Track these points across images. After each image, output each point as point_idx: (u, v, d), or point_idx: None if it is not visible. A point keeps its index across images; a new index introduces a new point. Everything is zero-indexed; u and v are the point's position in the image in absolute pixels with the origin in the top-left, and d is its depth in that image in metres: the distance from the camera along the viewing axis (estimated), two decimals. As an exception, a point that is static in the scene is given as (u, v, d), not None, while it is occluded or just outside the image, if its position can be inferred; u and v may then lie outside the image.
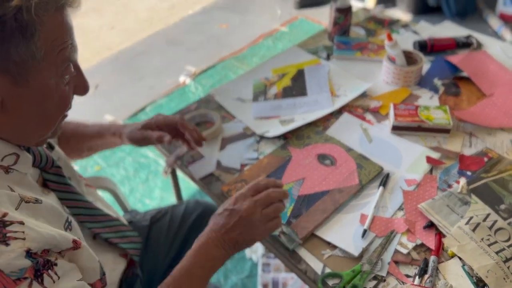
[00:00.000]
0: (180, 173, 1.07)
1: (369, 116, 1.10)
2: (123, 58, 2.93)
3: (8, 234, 0.52)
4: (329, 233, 0.85)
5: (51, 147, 0.82)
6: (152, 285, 1.03)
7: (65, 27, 0.59)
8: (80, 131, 1.01)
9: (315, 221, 0.86)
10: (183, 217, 1.12)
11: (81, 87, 0.67)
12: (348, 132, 1.06)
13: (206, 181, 0.99)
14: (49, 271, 0.55)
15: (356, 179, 0.93)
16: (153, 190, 1.99)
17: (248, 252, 1.67)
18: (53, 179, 0.72)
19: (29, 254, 0.53)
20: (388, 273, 0.78)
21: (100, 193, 1.02)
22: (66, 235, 0.60)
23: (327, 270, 0.80)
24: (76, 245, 0.61)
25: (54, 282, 0.55)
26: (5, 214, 0.53)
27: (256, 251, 1.67)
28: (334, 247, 0.83)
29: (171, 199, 1.91)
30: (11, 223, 0.53)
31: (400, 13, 2.93)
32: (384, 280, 0.77)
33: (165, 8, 3.47)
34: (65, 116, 0.68)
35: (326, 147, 1.02)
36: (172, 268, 1.06)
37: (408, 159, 0.98)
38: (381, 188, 0.91)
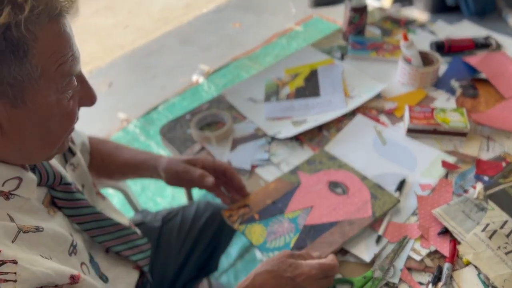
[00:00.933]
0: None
1: (383, 118, 1.08)
2: (137, 57, 2.94)
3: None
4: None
5: (71, 152, 0.81)
6: (163, 285, 1.02)
7: (63, 38, 0.53)
8: (116, 153, 0.98)
9: (321, 254, 0.79)
10: (194, 218, 1.11)
11: (88, 99, 0.63)
12: (361, 134, 1.04)
13: (216, 182, 0.97)
14: None
15: (369, 211, 0.85)
16: (164, 189, 1.99)
17: (258, 254, 1.66)
18: (62, 196, 0.70)
19: None
20: (400, 280, 0.76)
21: (112, 191, 1.02)
22: (64, 271, 0.58)
23: (337, 276, 0.78)
24: (73, 280, 0.59)
25: None
26: None
27: (266, 252, 1.65)
28: (344, 252, 0.81)
29: (183, 198, 1.90)
30: (3, 262, 0.50)
31: (417, 13, 2.89)
32: (396, 287, 0.75)
33: (179, 7, 3.47)
34: (72, 129, 0.64)
35: (339, 174, 0.94)
36: (182, 268, 1.06)
37: (423, 163, 0.95)
38: (397, 193, 0.89)
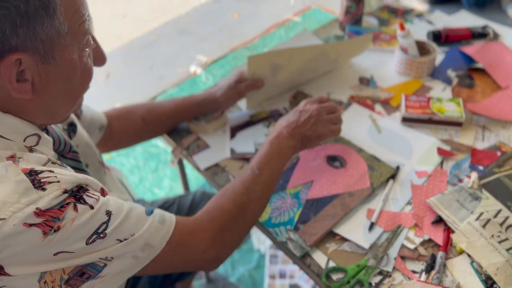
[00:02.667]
0: (188, 164, 1.06)
1: (379, 108, 1.07)
2: (134, 47, 2.92)
3: (42, 180, 0.54)
4: (338, 227, 0.83)
5: (74, 131, 0.82)
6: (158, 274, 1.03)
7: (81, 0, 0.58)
8: (157, 107, 1.04)
9: (323, 227, 0.82)
10: (190, 207, 1.12)
11: (100, 58, 0.67)
12: (356, 123, 1.04)
13: (211, 172, 0.98)
14: (86, 193, 0.58)
15: (368, 182, 0.89)
16: (162, 179, 2.00)
17: (255, 243, 1.67)
18: (71, 164, 0.72)
19: (65, 192, 0.55)
20: (394, 268, 0.77)
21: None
22: (96, 181, 0.62)
23: (331, 264, 0.78)
24: (103, 192, 0.63)
25: (95, 199, 0.58)
26: (32, 168, 0.55)
27: (263, 243, 1.66)
28: (340, 240, 0.81)
29: (180, 189, 1.91)
30: (42, 171, 0.55)
31: (416, 3, 2.87)
32: (390, 276, 0.76)
33: (177, -3, 3.45)
34: (88, 87, 0.68)
35: (336, 148, 0.97)
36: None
37: (419, 151, 0.95)
38: (390, 181, 0.89)
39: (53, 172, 0.56)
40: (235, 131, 1.06)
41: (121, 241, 0.60)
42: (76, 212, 0.55)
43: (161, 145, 2.15)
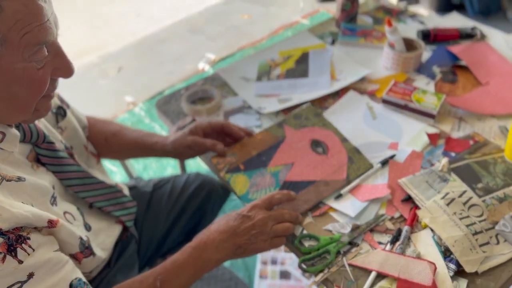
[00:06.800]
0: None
1: (366, 99, 1.14)
2: (146, 44, 3.03)
3: None
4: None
5: (61, 114, 0.88)
6: (150, 246, 1.10)
7: (30, 8, 0.54)
8: (121, 134, 1.04)
9: (295, 210, 0.86)
10: (184, 186, 1.19)
11: (63, 70, 0.64)
12: (352, 108, 1.10)
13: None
14: (22, 244, 0.58)
15: (344, 174, 0.93)
16: (165, 168, 2.08)
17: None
18: (45, 153, 0.75)
19: (0, 232, 0.56)
20: (362, 240, 0.83)
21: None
22: (41, 215, 0.63)
23: (305, 232, 0.85)
24: (51, 224, 0.65)
25: (28, 254, 0.59)
26: None
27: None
28: (326, 220, 0.88)
29: (181, 178, 1.98)
30: None
31: (423, 10, 2.92)
32: (358, 245, 0.82)
33: (191, -3, 3.56)
34: (50, 97, 0.67)
35: (322, 133, 1.02)
36: (170, 231, 1.14)
37: (408, 134, 1.02)
38: (378, 165, 0.95)
39: None
40: (228, 115, 1.14)
41: None
42: (2, 264, 0.55)
43: (164, 134, 2.23)
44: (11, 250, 0.57)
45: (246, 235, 0.79)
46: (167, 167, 2.08)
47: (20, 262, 0.58)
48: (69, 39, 3.05)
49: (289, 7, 3.28)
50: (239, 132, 1.00)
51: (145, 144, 1.02)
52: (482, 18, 2.78)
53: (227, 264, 1.65)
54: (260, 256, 1.64)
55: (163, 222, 1.12)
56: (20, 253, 0.58)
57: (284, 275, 1.58)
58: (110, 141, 1.03)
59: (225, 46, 2.87)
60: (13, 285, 0.57)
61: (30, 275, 0.59)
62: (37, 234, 0.62)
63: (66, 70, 0.64)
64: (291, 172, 0.95)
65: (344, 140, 1.01)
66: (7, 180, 0.62)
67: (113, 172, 2.05)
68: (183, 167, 1.35)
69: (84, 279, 0.69)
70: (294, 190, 0.91)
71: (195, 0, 3.50)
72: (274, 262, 1.63)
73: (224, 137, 1.01)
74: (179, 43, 2.99)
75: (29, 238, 0.60)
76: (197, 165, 2.00)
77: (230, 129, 0.99)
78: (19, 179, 0.65)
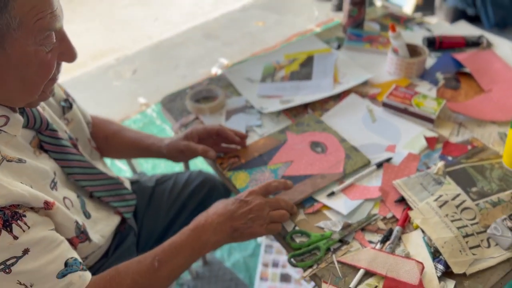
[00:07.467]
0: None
1: (367, 102, 1.15)
2: (162, 47, 3.09)
3: None
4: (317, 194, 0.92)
5: (67, 106, 0.91)
6: (150, 240, 1.12)
7: None
8: (121, 134, 1.07)
9: (290, 200, 0.88)
10: (186, 183, 1.21)
11: (68, 54, 0.69)
12: (353, 110, 1.12)
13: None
14: (18, 221, 0.61)
15: (341, 168, 0.95)
16: (174, 168, 2.11)
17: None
18: (48, 140, 0.78)
19: None
20: (353, 238, 0.84)
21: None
22: (38, 195, 0.65)
23: (297, 228, 0.86)
24: (47, 206, 0.67)
25: (23, 231, 0.61)
26: None
27: (260, 233, 1.73)
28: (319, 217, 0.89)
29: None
30: None
31: (432, 19, 2.91)
32: (348, 243, 0.83)
33: (208, 4, 3.61)
34: (55, 80, 0.71)
35: (321, 136, 1.05)
36: (170, 226, 1.16)
37: (406, 136, 1.03)
38: (374, 167, 0.95)
39: None
40: (230, 114, 1.16)
41: (20, 284, 0.61)
42: None
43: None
44: (7, 226, 0.59)
45: (243, 219, 0.81)
46: (176, 167, 2.11)
47: (15, 238, 0.60)
48: (87, 41, 3.14)
49: (304, 15, 3.30)
50: (234, 137, 1.02)
51: (142, 145, 1.06)
52: (498, 30, 2.75)
53: (228, 264, 1.66)
54: (261, 259, 1.65)
55: (164, 217, 1.14)
56: (15, 229, 0.60)
57: (285, 278, 1.58)
58: (110, 140, 1.07)
59: (239, 52, 2.91)
60: (8, 259, 0.60)
61: (25, 251, 0.61)
62: (33, 213, 0.65)
63: (71, 54, 0.69)
64: (289, 168, 0.98)
65: (342, 140, 1.03)
66: (8, 161, 0.65)
67: (122, 170, 2.09)
68: (187, 166, 1.37)
69: (80, 260, 0.71)
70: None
71: (212, 6, 3.56)
72: (275, 264, 1.63)
73: (220, 141, 1.03)
74: (194, 48, 3.04)
75: (25, 216, 0.62)
76: (202, 163, 2.02)
77: (225, 133, 1.01)
78: (20, 160, 0.68)
